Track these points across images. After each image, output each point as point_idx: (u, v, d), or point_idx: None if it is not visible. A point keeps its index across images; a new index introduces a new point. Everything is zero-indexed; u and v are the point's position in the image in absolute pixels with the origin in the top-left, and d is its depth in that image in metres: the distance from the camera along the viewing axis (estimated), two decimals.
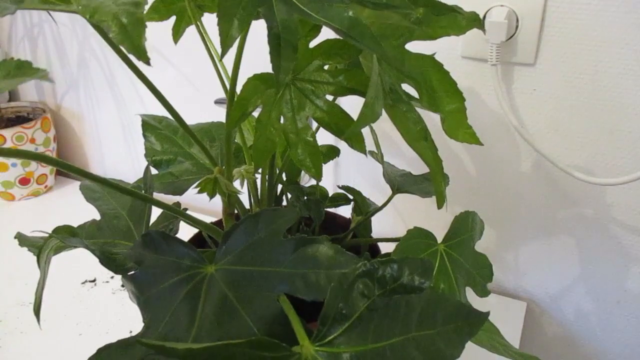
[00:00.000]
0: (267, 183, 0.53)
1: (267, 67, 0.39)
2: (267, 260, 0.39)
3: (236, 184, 0.49)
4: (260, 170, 0.52)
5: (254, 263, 0.39)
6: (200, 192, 0.46)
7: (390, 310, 0.34)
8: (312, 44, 0.45)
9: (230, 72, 0.45)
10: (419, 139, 0.44)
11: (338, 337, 0.34)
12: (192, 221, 0.47)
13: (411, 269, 0.35)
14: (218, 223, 0.64)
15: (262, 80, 0.43)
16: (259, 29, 0.47)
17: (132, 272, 0.42)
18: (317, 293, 0.38)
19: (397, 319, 0.34)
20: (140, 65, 0.40)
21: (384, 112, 0.40)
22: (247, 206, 0.58)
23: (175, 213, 0.46)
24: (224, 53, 0.33)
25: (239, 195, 0.50)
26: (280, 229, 0.40)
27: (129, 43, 0.32)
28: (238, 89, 0.43)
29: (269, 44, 0.34)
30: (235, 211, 0.52)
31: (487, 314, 0.35)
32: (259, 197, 0.54)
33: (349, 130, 0.44)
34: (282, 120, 0.44)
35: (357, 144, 0.46)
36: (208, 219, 0.67)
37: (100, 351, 0.36)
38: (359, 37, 0.33)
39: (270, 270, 0.39)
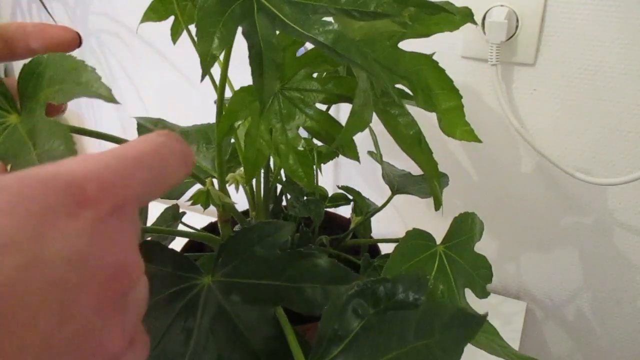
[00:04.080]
0: (262, 185, 0.53)
1: None
2: (264, 274, 0.39)
3: (232, 188, 0.49)
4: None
5: (250, 276, 0.39)
6: (193, 204, 0.45)
7: (385, 326, 0.34)
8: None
9: (229, 73, 0.45)
10: (412, 143, 0.43)
11: (334, 358, 0.34)
12: (184, 235, 0.47)
13: (405, 286, 0.34)
14: (216, 224, 0.63)
15: (249, 93, 0.42)
16: None
17: None
18: (313, 308, 0.37)
19: (393, 333, 0.34)
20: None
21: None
22: (248, 205, 0.58)
23: (164, 233, 0.46)
24: (204, 74, 0.31)
25: (236, 203, 0.50)
26: (275, 242, 0.40)
27: None
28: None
29: (250, 64, 0.32)
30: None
31: (485, 316, 0.35)
32: (255, 200, 0.54)
33: (336, 141, 0.43)
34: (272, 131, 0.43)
35: (349, 151, 0.45)
36: (209, 219, 0.67)
37: None
38: (345, 51, 0.32)
39: (267, 284, 0.39)
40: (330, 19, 0.33)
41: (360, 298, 0.35)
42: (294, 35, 0.32)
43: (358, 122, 0.36)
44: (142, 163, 0.22)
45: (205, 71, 0.31)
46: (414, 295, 0.34)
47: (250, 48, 0.32)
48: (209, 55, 0.31)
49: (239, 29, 0.33)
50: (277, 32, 0.32)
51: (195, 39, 0.31)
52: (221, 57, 0.39)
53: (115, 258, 0.20)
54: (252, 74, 0.32)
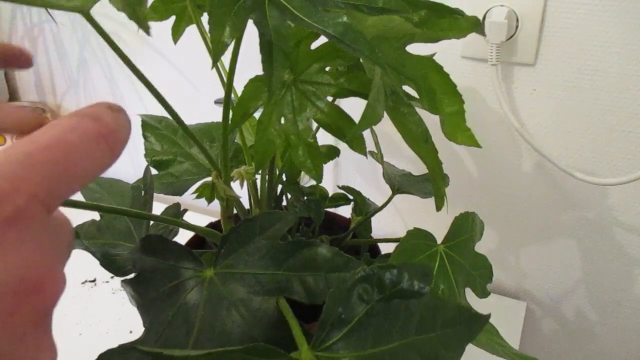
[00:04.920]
0: (266, 184, 0.53)
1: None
2: (266, 264, 0.39)
3: (236, 184, 0.49)
4: (259, 171, 0.52)
5: (252, 267, 0.39)
6: (198, 197, 0.46)
7: (389, 315, 0.34)
8: (314, 45, 0.45)
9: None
10: (420, 141, 0.44)
11: (337, 342, 0.34)
12: (188, 228, 0.47)
13: (411, 274, 0.35)
14: (218, 222, 0.63)
15: (262, 82, 0.42)
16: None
17: (132, 276, 0.42)
18: (315, 297, 0.38)
19: (396, 323, 0.34)
20: (138, 65, 0.40)
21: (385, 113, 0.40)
22: (247, 206, 0.58)
23: (169, 223, 0.46)
24: (215, 60, 0.32)
25: (240, 197, 0.50)
26: (277, 233, 0.40)
27: (129, 10, 0.31)
28: (233, 94, 0.43)
29: (260, 52, 0.33)
30: (235, 211, 0.52)
31: (488, 317, 0.35)
32: (259, 198, 0.54)
33: (351, 132, 0.44)
34: (282, 122, 0.44)
35: (357, 146, 0.46)
36: (209, 219, 0.66)
37: (101, 357, 0.36)
38: (353, 43, 0.33)
39: (269, 274, 0.39)
40: (338, 12, 0.34)
41: (366, 283, 0.35)
42: (304, 27, 0.33)
43: (372, 115, 0.37)
44: (40, 158, 0.19)
45: (217, 58, 0.32)
46: (419, 284, 0.34)
47: (260, 37, 0.33)
48: (221, 42, 0.32)
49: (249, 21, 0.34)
50: (290, 23, 0.33)
51: (207, 28, 0.32)
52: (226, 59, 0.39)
53: (19, 276, 0.18)
54: (262, 62, 0.33)
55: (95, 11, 0.36)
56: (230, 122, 0.43)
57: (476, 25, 0.46)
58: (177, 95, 0.99)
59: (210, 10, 0.33)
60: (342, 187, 0.65)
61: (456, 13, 0.44)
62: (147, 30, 0.31)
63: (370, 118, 0.37)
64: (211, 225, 0.64)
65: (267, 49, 0.33)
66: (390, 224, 0.93)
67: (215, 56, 0.32)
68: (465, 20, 0.46)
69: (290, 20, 0.33)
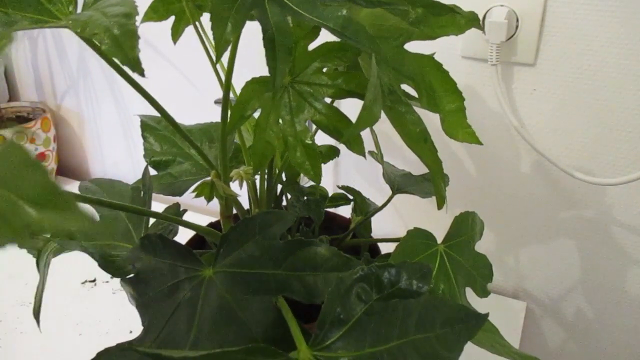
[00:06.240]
0: (265, 184, 0.53)
1: (265, 69, 0.39)
2: (265, 263, 0.39)
3: (235, 185, 0.49)
4: (258, 171, 0.52)
5: (251, 266, 0.39)
6: (197, 196, 0.46)
7: (388, 315, 0.34)
8: (311, 46, 0.45)
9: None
10: (419, 140, 0.44)
11: (336, 341, 0.34)
12: (188, 226, 0.47)
13: (409, 273, 0.35)
14: (218, 223, 0.63)
15: (260, 84, 0.42)
16: (256, 30, 0.46)
17: (131, 276, 0.41)
18: (314, 296, 0.38)
19: (394, 323, 0.34)
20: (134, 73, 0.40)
21: (383, 113, 0.40)
22: (247, 206, 0.58)
23: (170, 221, 0.46)
24: (218, 57, 0.33)
25: (239, 196, 0.50)
26: (276, 232, 0.40)
27: (122, 55, 0.31)
28: (232, 94, 0.43)
29: (264, 47, 0.34)
30: (235, 211, 0.52)
31: (486, 315, 0.35)
32: (258, 198, 0.54)
33: (347, 133, 0.43)
34: (280, 123, 0.44)
35: (355, 146, 0.46)
36: (209, 219, 0.66)
37: (99, 355, 0.36)
38: (354, 35, 0.33)
39: (268, 273, 0.39)
40: (337, 5, 0.35)
41: (364, 283, 0.35)
42: (304, 21, 0.33)
43: (368, 116, 0.37)
44: None
45: (220, 55, 0.33)
46: (418, 283, 0.34)
47: (263, 33, 0.34)
48: (223, 39, 0.33)
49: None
50: (289, 18, 0.34)
51: (210, 23, 0.33)
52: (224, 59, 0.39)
53: None
54: (266, 57, 0.34)
55: None
56: (227, 123, 0.43)
57: (474, 21, 0.46)
58: (177, 95, 0.99)
59: (212, 8, 0.33)
60: (342, 187, 0.65)
61: (453, 11, 0.44)
62: (141, 73, 0.32)
63: (366, 119, 0.37)
64: (211, 225, 0.64)
65: (270, 44, 0.34)
66: (390, 224, 0.93)
67: (218, 53, 0.33)
68: (463, 16, 0.46)
69: (290, 16, 0.34)
